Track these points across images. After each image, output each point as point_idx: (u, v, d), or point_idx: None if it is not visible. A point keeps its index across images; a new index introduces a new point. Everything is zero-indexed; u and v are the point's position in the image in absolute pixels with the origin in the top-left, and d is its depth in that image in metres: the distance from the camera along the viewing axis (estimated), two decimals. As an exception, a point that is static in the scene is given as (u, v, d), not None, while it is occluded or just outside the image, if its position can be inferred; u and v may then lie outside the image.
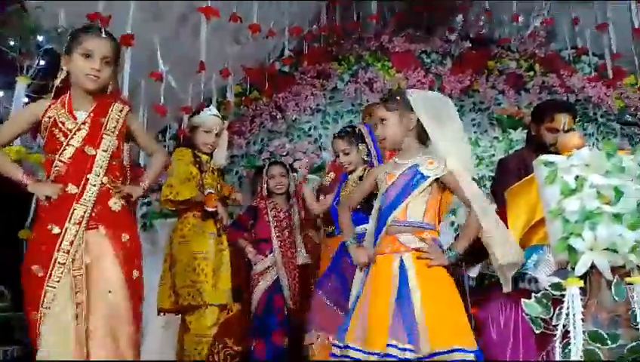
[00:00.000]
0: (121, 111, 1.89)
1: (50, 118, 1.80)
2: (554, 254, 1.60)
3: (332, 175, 3.00)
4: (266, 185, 3.14)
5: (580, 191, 1.51)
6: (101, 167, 1.78)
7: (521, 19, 5.01)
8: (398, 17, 5.01)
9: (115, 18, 2.75)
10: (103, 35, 1.83)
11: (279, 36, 4.35)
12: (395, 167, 1.93)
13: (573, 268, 1.51)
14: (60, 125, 1.80)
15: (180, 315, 2.68)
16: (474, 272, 2.19)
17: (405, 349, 1.61)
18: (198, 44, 3.55)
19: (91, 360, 1.64)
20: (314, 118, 4.61)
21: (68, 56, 1.84)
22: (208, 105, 2.95)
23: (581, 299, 1.51)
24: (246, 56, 4.32)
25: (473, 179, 1.90)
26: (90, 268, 1.69)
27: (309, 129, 4.56)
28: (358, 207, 2.14)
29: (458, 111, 4.60)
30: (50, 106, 1.83)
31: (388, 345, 1.63)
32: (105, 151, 1.80)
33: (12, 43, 2.54)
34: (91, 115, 1.83)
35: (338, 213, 2.15)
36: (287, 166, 3.30)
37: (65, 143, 1.78)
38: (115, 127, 1.85)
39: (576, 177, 1.53)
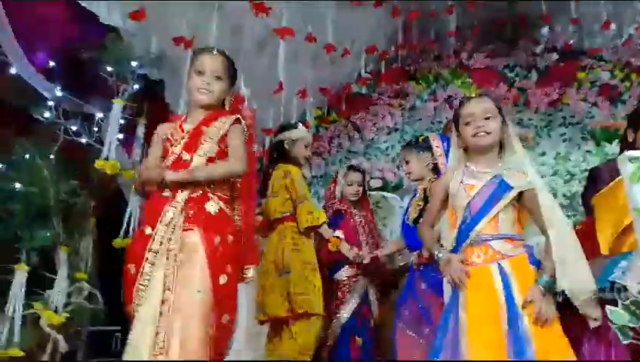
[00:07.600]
0: (227, 119, 1.89)
1: (166, 133, 1.92)
2: (643, 255, 1.45)
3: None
4: (340, 189, 3.04)
5: (672, 186, 1.37)
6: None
7: (612, 27, 4.71)
8: (476, 31, 4.91)
9: (198, 41, 2.94)
10: (214, 53, 1.91)
11: (356, 57, 4.42)
12: (473, 176, 1.79)
13: (669, 272, 1.36)
14: (170, 137, 1.91)
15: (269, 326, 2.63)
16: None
17: None
18: (277, 67, 3.69)
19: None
20: (391, 137, 4.59)
21: (188, 78, 1.94)
22: (294, 124, 2.92)
23: (679, 307, 1.35)
24: (324, 80, 4.44)
25: None
26: (180, 268, 1.73)
27: (387, 148, 4.53)
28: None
29: (546, 125, 4.52)
30: (170, 125, 1.97)
31: None
32: (201, 156, 1.82)
33: (109, 68, 2.80)
34: (197, 125, 1.88)
35: (419, 232, 2.02)
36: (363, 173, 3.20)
37: (170, 152, 1.88)
38: (216, 134, 1.86)
39: (667, 171, 1.40)
